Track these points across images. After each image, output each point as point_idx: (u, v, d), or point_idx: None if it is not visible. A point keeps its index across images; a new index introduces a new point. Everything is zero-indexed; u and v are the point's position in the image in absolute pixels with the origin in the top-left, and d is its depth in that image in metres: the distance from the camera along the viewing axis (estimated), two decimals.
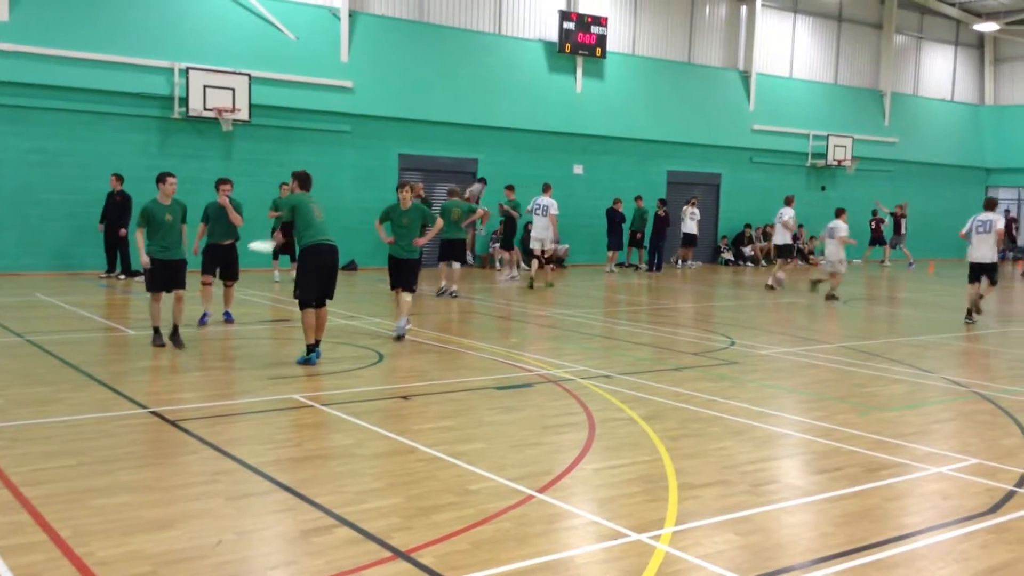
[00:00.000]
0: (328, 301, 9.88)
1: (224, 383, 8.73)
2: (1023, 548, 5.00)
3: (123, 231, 18.14)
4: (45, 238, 18.88)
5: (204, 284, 12.43)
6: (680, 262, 26.22)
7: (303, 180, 10.16)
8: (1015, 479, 6.27)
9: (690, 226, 25.52)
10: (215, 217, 12.16)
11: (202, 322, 12.16)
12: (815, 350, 11.72)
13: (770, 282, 19.85)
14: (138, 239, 10.42)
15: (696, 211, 25.50)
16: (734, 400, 8.51)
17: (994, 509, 5.63)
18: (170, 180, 10.52)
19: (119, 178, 18.26)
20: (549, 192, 19.64)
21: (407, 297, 11.50)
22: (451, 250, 16.47)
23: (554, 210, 19.03)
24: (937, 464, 6.59)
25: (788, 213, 19.98)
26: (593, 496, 5.76)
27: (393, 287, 11.73)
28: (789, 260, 21.07)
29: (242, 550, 4.72)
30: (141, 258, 10.39)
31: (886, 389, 9.38)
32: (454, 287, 16.52)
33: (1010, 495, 5.92)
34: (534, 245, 19.32)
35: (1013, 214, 35.26)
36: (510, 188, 21.44)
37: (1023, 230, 35.12)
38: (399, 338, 11.40)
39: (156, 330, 10.59)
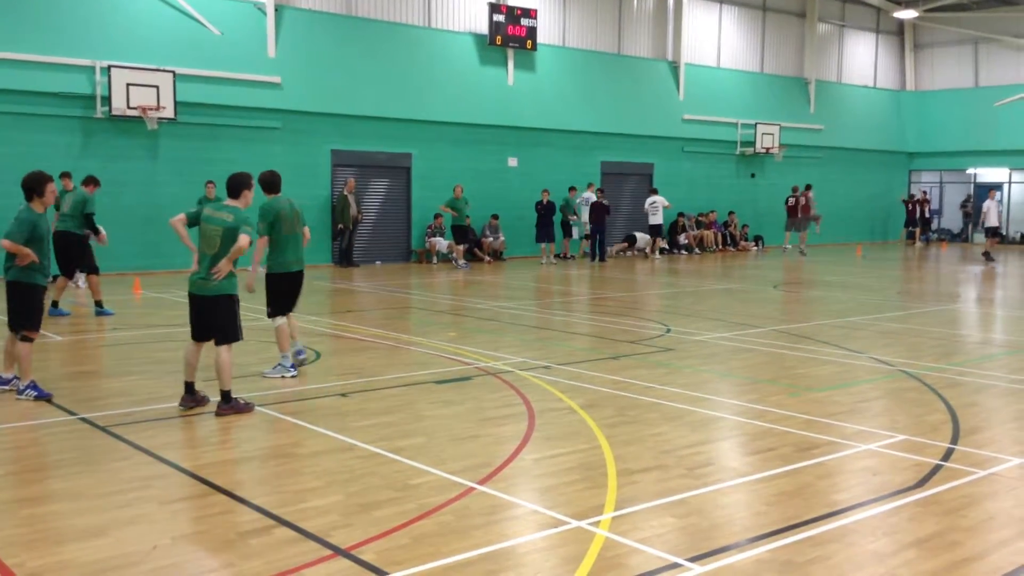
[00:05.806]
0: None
1: (155, 387, 8.55)
2: (949, 519, 5.17)
3: (101, 235, 14.53)
4: None
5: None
6: (659, 253, 26.40)
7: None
8: (941, 453, 6.47)
9: (656, 217, 25.95)
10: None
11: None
12: (748, 335, 11.93)
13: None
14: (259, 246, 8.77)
15: (657, 199, 25.87)
16: (670, 386, 8.63)
17: (921, 483, 5.81)
18: (210, 186, 7.94)
19: (69, 176, 16.62)
20: (593, 188, 25.48)
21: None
22: (457, 234, 22.93)
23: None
24: (866, 441, 6.77)
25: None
26: (533, 486, 5.79)
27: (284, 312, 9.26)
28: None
29: (177, 555, 4.64)
30: (250, 277, 8.74)
31: (816, 370, 9.60)
32: (460, 258, 22.49)
33: (936, 469, 6.11)
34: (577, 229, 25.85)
35: (928, 195, 35.91)
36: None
37: (978, 213, 35.60)
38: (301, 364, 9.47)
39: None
